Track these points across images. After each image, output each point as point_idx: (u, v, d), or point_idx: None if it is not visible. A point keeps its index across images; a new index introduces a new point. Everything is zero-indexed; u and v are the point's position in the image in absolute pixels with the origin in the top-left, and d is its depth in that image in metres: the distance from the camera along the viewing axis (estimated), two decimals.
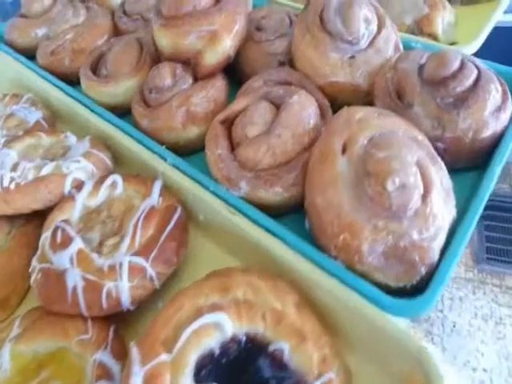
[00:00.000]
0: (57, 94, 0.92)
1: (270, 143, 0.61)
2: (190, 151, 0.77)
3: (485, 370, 1.15)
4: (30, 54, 1.09)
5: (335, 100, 0.70)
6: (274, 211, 0.62)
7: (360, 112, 0.57)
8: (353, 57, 0.68)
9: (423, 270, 0.47)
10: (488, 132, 0.57)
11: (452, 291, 1.39)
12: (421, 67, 0.63)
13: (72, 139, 0.80)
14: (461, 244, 0.48)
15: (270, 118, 0.65)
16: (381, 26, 0.70)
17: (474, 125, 0.57)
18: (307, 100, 0.65)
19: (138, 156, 0.73)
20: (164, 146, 0.72)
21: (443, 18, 0.85)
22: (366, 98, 0.69)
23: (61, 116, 0.95)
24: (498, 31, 0.93)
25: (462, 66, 0.60)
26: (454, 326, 1.24)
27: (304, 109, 0.63)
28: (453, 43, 0.86)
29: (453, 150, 0.58)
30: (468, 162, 0.61)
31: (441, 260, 0.48)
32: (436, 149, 0.56)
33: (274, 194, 0.60)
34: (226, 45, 0.77)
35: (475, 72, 0.59)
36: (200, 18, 0.76)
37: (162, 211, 0.61)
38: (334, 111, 0.68)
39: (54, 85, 0.95)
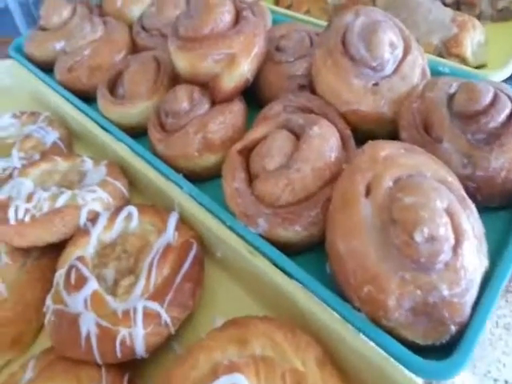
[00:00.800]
0: (73, 114, 0.91)
1: (289, 178, 0.59)
2: (206, 177, 0.75)
3: (506, 382, 1.11)
4: (48, 67, 1.08)
5: (358, 128, 0.67)
6: (294, 249, 0.59)
7: (385, 149, 0.53)
8: (377, 84, 0.65)
9: (453, 329, 0.44)
10: None
11: None
12: (450, 98, 0.60)
13: (88, 164, 0.79)
14: (494, 299, 0.45)
15: (290, 149, 0.62)
16: (407, 50, 0.67)
17: (507, 164, 0.53)
18: (328, 131, 0.62)
19: (153, 183, 0.71)
20: (181, 174, 0.70)
21: (472, 39, 0.80)
22: (391, 126, 0.66)
23: (78, 136, 0.95)
24: None
25: (495, 99, 0.56)
26: None
27: (325, 141, 0.61)
28: (483, 65, 0.81)
29: (484, 190, 0.55)
30: (501, 202, 0.58)
31: (472, 315, 0.45)
32: (466, 188, 0.52)
33: (294, 232, 0.57)
34: (244, 69, 0.74)
35: (509, 106, 0.56)
36: (218, 41, 0.73)
37: (177, 249, 0.59)
38: (357, 139, 0.66)
39: (71, 103, 0.94)
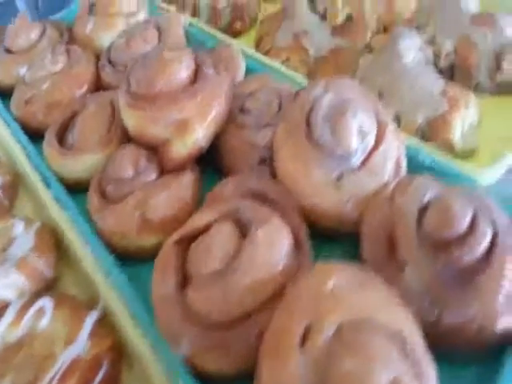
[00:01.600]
0: (20, 158, 0.82)
1: (224, 291, 0.49)
2: (147, 258, 0.65)
3: None
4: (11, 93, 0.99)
5: (318, 224, 0.57)
6: (222, 381, 0.50)
7: (335, 277, 0.43)
8: (341, 177, 0.55)
9: None
10: (500, 325, 0.43)
11: None
12: (422, 209, 0.49)
13: (19, 227, 0.69)
14: None
15: (232, 248, 0.52)
16: (380, 138, 0.56)
17: (481, 313, 0.43)
18: (278, 235, 0.52)
19: (81, 262, 0.62)
20: (115, 253, 0.61)
21: (464, 121, 0.68)
22: (353, 227, 0.56)
23: (24, 184, 0.84)
24: None
25: (473, 226, 0.45)
26: None
27: (273, 248, 0.50)
28: (472, 151, 0.69)
29: (450, 341, 0.45)
30: (469, 357, 0.47)
31: None
32: (428, 335, 0.42)
33: (222, 364, 0.48)
34: (199, 136, 0.65)
35: (489, 236, 0.45)
36: (170, 102, 0.64)
37: (85, 365, 0.50)
38: (315, 235, 0.56)
39: (21, 143, 0.85)
